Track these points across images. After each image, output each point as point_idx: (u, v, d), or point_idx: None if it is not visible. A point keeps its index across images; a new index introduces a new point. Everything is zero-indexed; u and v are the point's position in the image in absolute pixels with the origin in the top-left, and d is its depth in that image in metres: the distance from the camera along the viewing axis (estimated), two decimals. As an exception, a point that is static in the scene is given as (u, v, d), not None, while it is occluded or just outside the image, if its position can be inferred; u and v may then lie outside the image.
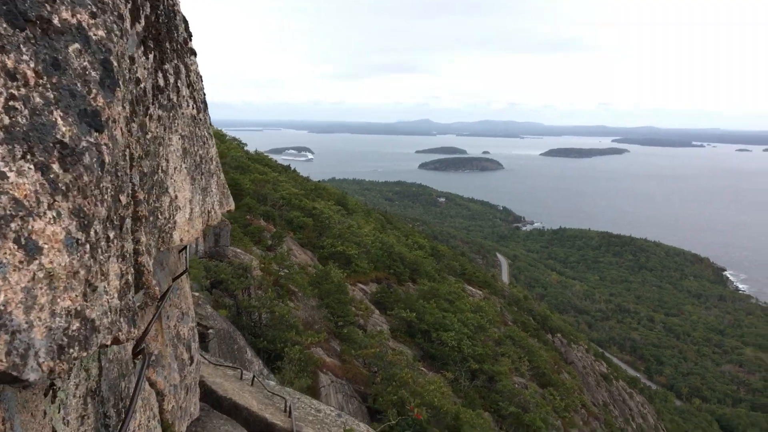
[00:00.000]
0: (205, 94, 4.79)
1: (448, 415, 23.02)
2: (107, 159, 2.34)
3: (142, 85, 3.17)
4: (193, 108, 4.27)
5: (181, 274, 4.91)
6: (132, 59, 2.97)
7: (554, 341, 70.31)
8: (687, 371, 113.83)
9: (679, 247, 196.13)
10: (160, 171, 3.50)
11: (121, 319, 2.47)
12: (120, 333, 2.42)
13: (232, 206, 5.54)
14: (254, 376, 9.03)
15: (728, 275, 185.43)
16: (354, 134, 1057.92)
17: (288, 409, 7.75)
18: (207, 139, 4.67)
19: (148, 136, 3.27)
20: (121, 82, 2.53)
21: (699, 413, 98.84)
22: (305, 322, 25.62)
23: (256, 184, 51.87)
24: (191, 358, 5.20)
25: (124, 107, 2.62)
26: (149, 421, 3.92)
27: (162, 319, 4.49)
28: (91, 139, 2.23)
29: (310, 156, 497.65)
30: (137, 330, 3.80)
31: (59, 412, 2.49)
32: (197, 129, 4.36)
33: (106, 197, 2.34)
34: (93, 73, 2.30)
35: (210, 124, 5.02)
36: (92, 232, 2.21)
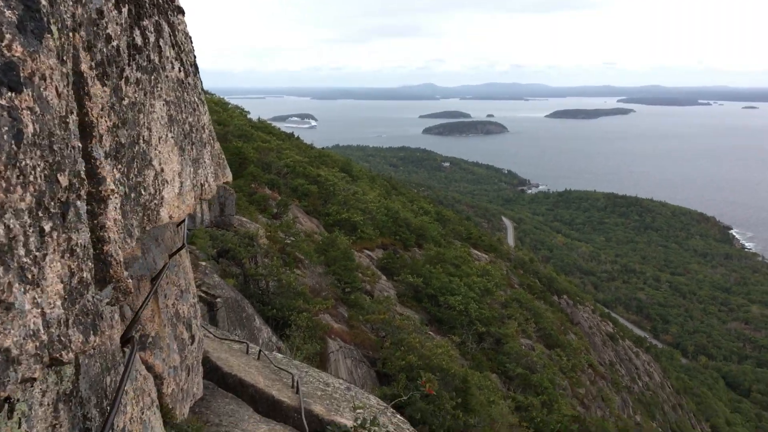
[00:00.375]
0: (195, 57, 4.47)
1: (456, 378, 23.13)
2: (31, 128, 1.85)
3: (114, 44, 2.82)
4: (179, 71, 3.93)
5: (179, 250, 4.58)
6: (100, 12, 2.63)
7: (560, 303, 70.59)
8: (693, 329, 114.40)
9: (685, 206, 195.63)
10: (141, 141, 3.17)
11: (70, 331, 2.05)
12: (64, 351, 1.98)
13: (229, 177, 5.22)
14: (260, 350, 8.67)
15: (734, 233, 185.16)
16: (357, 100, 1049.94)
17: (296, 384, 7.45)
18: (198, 106, 4.32)
19: (125, 102, 2.94)
20: (55, 28, 2.07)
21: (705, 370, 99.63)
22: (312, 289, 25.65)
23: (260, 152, 51.62)
24: (192, 337, 4.90)
25: (64, 61, 2.20)
26: (144, 412, 3.57)
27: (159, 299, 4.21)
28: (2, 102, 1.72)
29: (313, 123, 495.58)
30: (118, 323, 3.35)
31: (20, 427, 2.00)
32: (185, 94, 4.01)
33: (30, 179, 1.84)
34: (7, 13, 1.77)
35: (202, 89, 4.69)
36: (1, 230, 1.71)
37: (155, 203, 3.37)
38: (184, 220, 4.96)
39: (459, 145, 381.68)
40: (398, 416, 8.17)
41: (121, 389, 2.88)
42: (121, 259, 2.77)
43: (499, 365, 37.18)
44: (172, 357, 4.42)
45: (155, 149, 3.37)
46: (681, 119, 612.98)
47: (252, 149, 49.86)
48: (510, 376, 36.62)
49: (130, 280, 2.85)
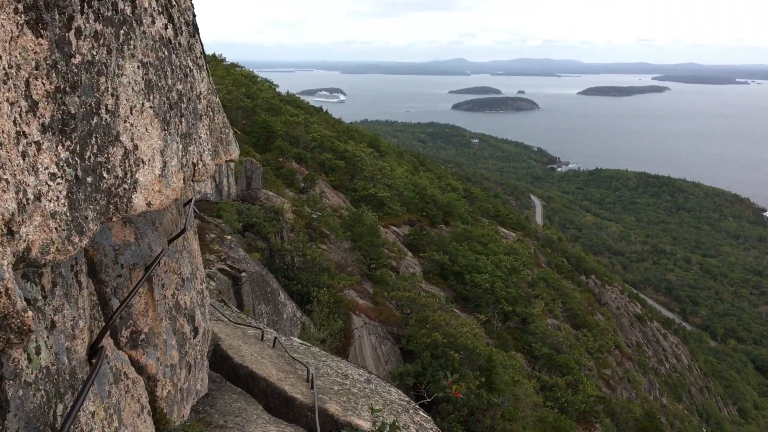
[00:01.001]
0: (194, 15, 3.91)
1: (481, 357, 22.98)
2: None
3: None
4: (165, 27, 3.29)
5: (179, 234, 4.06)
6: None
7: (588, 283, 69.98)
8: (723, 312, 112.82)
9: (719, 187, 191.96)
10: (102, 111, 2.57)
11: None
12: None
13: (234, 155, 4.60)
14: (275, 337, 8.09)
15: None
16: (386, 74, 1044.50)
17: (311, 379, 6.90)
18: (191, 71, 3.67)
19: (75, 60, 2.34)
20: None
21: (734, 354, 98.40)
22: (338, 265, 25.59)
23: (288, 126, 51.53)
24: (195, 330, 4.35)
25: None
26: (123, 428, 3.16)
27: (154, 290, 3.71)
28: None
29: (342, 97, 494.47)
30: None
31: None
32: (173, 56, 3.38)
33: None
34: None
35: (202, 53, 4.03)
36: None
37: (125, 188, 2.79)
38: (190, 200, 4.54)
39: (488, 121, 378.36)
40: (421, 413, 7.49)
41: (69, 421, 2.31)
42: (11, 286, 1.93)
43: (524, 345, 36.98)
44: (170, 354, 3.95)
45: (125, 121, 2.77)
46: (717, 98, 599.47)
47: (280, 123, 49.79)
48: (535, 355, 36.43)
49: (29, 314, 1.97)
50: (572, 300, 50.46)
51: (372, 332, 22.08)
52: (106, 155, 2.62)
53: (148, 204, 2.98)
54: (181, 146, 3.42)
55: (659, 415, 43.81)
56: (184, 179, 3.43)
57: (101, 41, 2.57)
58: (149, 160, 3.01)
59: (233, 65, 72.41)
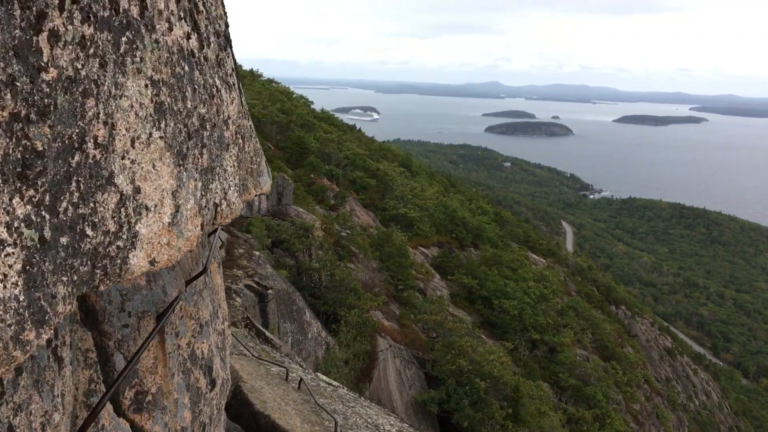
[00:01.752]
0: (227, 26, 3.36)
1: (507, 387, 22.45)
2: None
3: None
4: (187, 37, 2.68)
5: (198, 275, 3.47)
6: None
7: (618, 313, 68.71)
8: (756, 350, 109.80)
9: (756, 222, 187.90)
10: (89, 146, 1.94)
11: None
12: None
13: (266, 187, 3.96)
14: (301, 379, 7.52)
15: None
16: (421, 95, 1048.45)
17: None
18: (218, 91, 3.06)
19: (47, 76, 1.74)
20: None
21: (766, 393, 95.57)
22: (365, 285, 25.32)
23: (322, 142, 51.68)
24: (212, 382, 3.76)
25: None
26: None
27: (166, 341, 3.16)
28: None
29: (375, 116, 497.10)
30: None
31: None
32: (196, 73, 2.76)
33: None
34: None
35: (233, 69, 3.43)
36: None
37: (119, 246, 2.16)
38: (216, 230, 3.89)
39: (521, 145, 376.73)
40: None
41: None
42: None
43: (551, 374, 36.23)
44: (180, 416, 3.36)
45: (122, 158, 2.16)
46: (756, 131, 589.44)
47: (313, 139, 49.96)
48: (562, 386, 35.63)
49: None
50: (602, 331, 49.46)
51: (397, 355, 21.71)
52: (92, 205, 1.97)
53: (152, 262, 2.37)
54: (200, 184, 2.79)
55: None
56: (202, 225, 2.82)
57: (91, 50, 1.95)
58: (156, 206, 2.38)
59: (270, 81, 73.20)
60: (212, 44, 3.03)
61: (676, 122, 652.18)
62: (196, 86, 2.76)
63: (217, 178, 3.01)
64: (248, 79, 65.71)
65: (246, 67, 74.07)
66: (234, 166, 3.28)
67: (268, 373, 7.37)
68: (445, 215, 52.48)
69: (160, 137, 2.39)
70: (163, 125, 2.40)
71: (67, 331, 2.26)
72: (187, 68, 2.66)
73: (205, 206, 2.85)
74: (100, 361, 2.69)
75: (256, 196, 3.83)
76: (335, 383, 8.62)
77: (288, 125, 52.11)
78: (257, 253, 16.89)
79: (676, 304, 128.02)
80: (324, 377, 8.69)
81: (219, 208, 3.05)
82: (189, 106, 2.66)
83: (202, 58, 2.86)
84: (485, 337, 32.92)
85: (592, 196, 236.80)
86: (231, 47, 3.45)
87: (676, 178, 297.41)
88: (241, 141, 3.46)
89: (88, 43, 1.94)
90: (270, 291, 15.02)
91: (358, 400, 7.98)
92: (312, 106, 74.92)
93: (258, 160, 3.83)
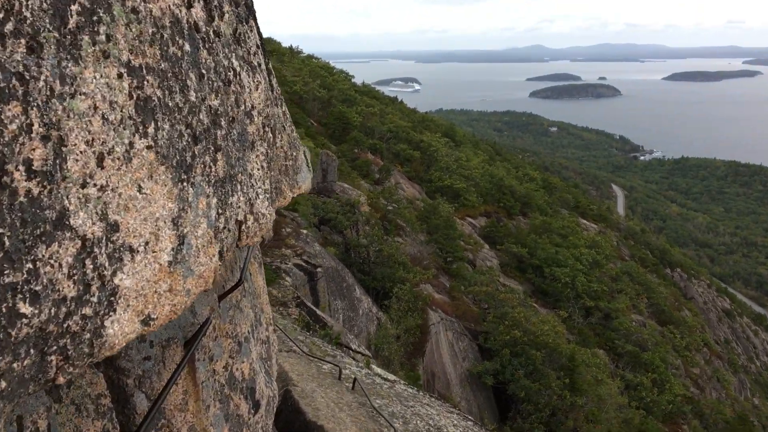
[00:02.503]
0: None
1: (563, 356, 22.12)
2: None
3: None
4: (188, 5, 2.07)
5: (234, 288, 2.92)
6: None
7: (673, 276, 67.25)
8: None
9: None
10: (15, 177, 1.31)
11: None
12: None
13: (305, 185, 3.41)
14: (355, 379, 6.98)
15: None
16: (462, 63, 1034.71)
17: None
18: (237, 76, 2.44)
19: None
20: None
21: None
22: (413, 258, 25.18)
23: (364, 116, 51.46)
24: (255, 405, 3.22)
25: None
26: None
27: (197, 370, 2.62)
28: None
29: (417, 87, 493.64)
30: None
31: None
32: (202, 53, 2.15)
33: None
34: None
35: (258, 46, 2.82)
36: None
37: (86, 314, 1.53)
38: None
39: (567, 109, 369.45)
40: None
41: None
42: None
43: (607, 341, 35.66)
44: None
45: (82, 186, 1.52)
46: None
47: (355, 114, 49.76)
48: (619, 353, 35.05)
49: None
50: (658, 295, 48.42)
51: (449, 328, 21.57)
52: (29, 267, 1.34)
53: (147, 321, 1.77)
54: (214, 200, 2.17)
55: (751, 416, 41.52)
56: (221, 252, 2.21)
57: (7, 27, 1.32)
58: (146, 243, 1.75)
59: (309, 57, 73.05)
60: (226, 15, 2.42)
61: (729, 77, 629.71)
62: (203, 71, 2.15)
63: (239, 187, 2.41)
64: (288, 56, 65.69)
65: (285, 43, 74.06)
66: (262, 167, 2.70)
67: (319, 372, 6.99)
68: (491, 184, 51.86)
69: (148, 147, 1.75)
70: (151, 129, 1.77)
71: None
72: (188, 47, 2.04)
73: (224, 227, 2.25)
74: (117, 406, 2.13)
75: (296, 194, 3.24)
76: (391, 377, 8.12)
77: (329, 101, 51.99)
78: (304, 231, 16.87)
79: (734, 264, 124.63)
80: (379, 370, 8.26)
81: (244, 226, 2.44)
82: (194, 98, 2.04)
83: (211, 33, 2.24)
84: (538, 306, 32.53)
85: (642, 158, 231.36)
86: (255, 18, 2.83)
87: (731, 134, 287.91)
88: (270, 135, 2.85)
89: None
90: (319, 269, 14.99)
91: (417, 396, 7.40)
92: (353, 80, 74.59)
93: (294, 154, 3.23)
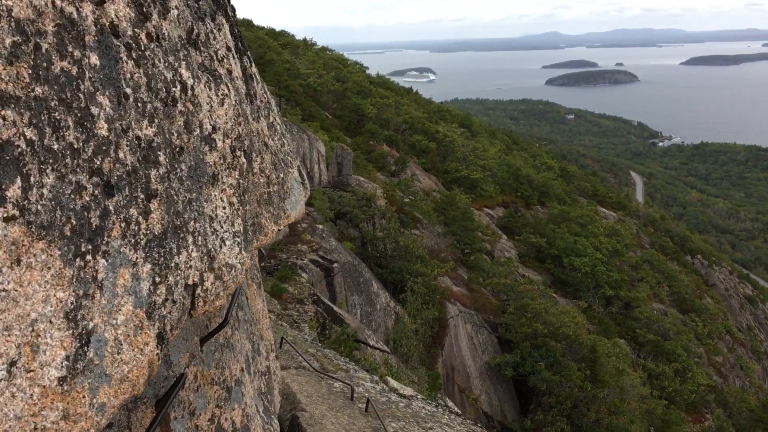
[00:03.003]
0: None
1: (584, 347, 21.90)
2: None
3: None
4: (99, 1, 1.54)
5: (217, 330, 2.41)
6: None
7: (694, 263, 66.46)
8: None
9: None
10: None
11: None
12: None
13: (295, 213, 2.88)
14: (368, 401, 6.42)
15: None
16: (477, 51, 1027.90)
17: None
18: (185, 90, 1.89)
19: None
20: None
21: None
22: (431, 251, 25.03)
23: (379, 108, 51.24)
24: None
25: None
26: None
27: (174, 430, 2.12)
28: None
29: (431, 77, 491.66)
30: None
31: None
32: (125, 66, 1.61)
33: None
34: None
35: (232, 48, 2.34)
36: None
37: None
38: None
39: (584, 96, 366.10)
40: None
41: None
42: None
43: (627, 331, 35.33)
44: None
45: None
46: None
47: (370, 105, 49.55)
48: (640, 342, 34.72)
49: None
50: (679, 283, 47.87)
51: (468, 321, 21.42)
52: None
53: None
54: (147, 267, 1.60)
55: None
56: (162, 334, 1.66)
57: None
58: (10, 365, 1.22)
59: (323, 49, 72.90)
60: (173, 11, 1.85)
61: (749, 60, 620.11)
62: (127, 90, 1.58)
63: (190, 240, 1.80)
64: (302, 49, 65.53)
65: (299, 36, 73.95)
66: (230, 204, 2.12)
67: (330, 392, 6.52)
68: (508, 174, 51.48)
69: (8, 218, 1.19)
70: (14, 191, 1.20)
71: None
72: (95, 59, 1.46)
73: (166, 300, 1.66)
74: None
75: (279, 229, 2.74)
76: (408, 391, 7.65)
77: (344, 93, 51.82)
78: (320, 226, 16.77)
79: (756, 250, 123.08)
80: (395, 383, 7.80)
81: (200, 289, 1.83)
82: (105, 131, 1.47)
83: (143, 37, 1.68)
84: (557, 296, 32.27)
85: (661, 144, 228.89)
86: (227, 13, 2.32)
87: (751, 118, 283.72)
88: (244, 160, 2.27)
89: None
90: (336, 264, 14.90)
91: (436, 415, 6.88)
92: (367, 72, 74.34)
93: (281, 176, 2.72)
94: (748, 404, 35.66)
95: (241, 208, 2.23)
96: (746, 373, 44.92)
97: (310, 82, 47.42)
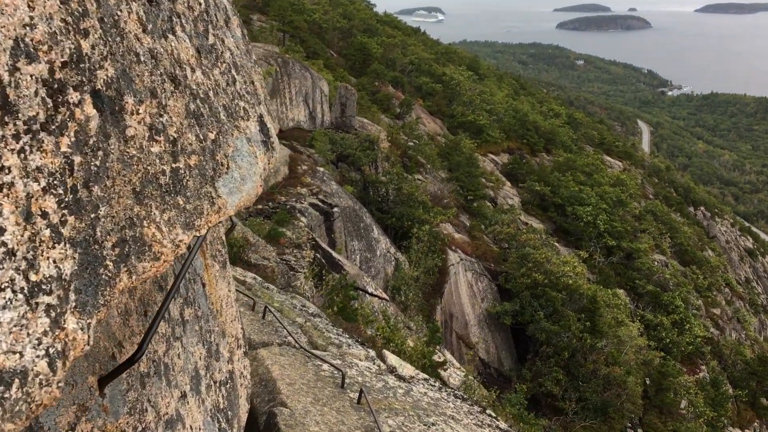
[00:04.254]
0: None
1: (584, 298, 21.77)
2: None
3: None
4: None
5: (127, 366, 1.67)
6: None
7: (696, 215, 66.25)
8: None
9: None
10: None
11: None
12: None
13: (243, 198, 1.92)
14: (362, 390, 5.36)
15: None
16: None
17: None
18: None
19: None
20: None
21: None
22: (433, 196, 24.68)
23: (385, 48, 50.06)
24: None
25: None
26: None
27: None
28: None
29: (440, 17, 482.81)
30: None
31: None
32: None
33: None
34: None
35: None
36: None
37: None
38: (197, 242, 1.97)
39: (595, 41, 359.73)
40: None
41: None
42: None
43: (627, 281, 35.27)
44: None
45: None
46: None
47: (377, 45, 48.36)
48: (639, 293, 34.70)
49: None
50: (681, 234, 47.65)
51: (468, 268, 21.24)
52: None
53: None
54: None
55: (771, 358, 41.35)
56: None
57: None
58: None
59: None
60: None
61: (764, 9, 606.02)
62: None
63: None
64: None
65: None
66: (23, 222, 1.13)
67: (317, 377, 5.55)
68: (515, 120, 50.66)
69: None
70: None
71: None
72: None
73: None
74: None
75: (201, 234, 1.71)
76: (408, 371, 6.79)
77: (350, 31, 50.54)
78: (321, 169, 16.38)
79: (759, 203, 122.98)
80: (393, 359, 6.89)
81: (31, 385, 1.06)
82: None
83: None
84: (559, 245, 32.08)
85: (670, 93, 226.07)
86: None
87: (763, 69, 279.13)
88: (91, 110, 1.32)
89: None
90: (336, 209, 14.58)
91: (440, 402, 6.03)
92: (374, 10, 72.57)
93: (210, 136, 1.87)
94: (743, 357, 35.91)
95: (75, 221, 1.20)
96: (743, 326, 45.18)
97: (315, 18, 46.17)
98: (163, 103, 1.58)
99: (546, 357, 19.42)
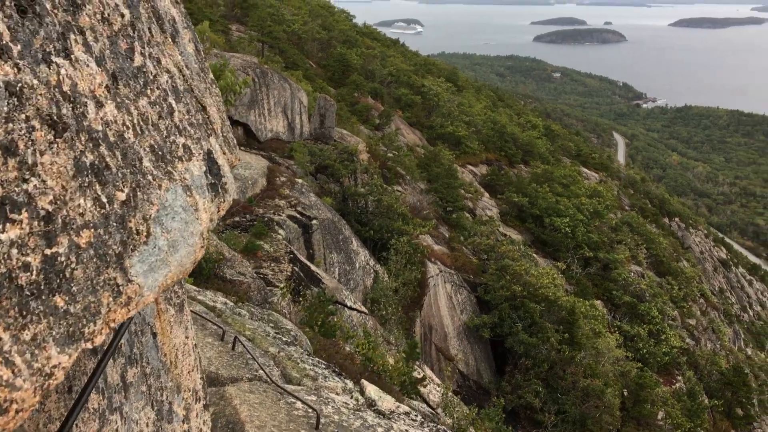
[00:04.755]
0: None
1: (563, 309, 21.83)
2: None
3: None
4: None
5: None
6: None
7: (671, 225, 67.09)
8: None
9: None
10: None
11: None
12: None
13: (170, 275, 1.58)
14: None
15: None
16: (466, 5, 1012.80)
17: None
18: None
19: None
20: None
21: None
22: (413, 208, 24.66)
23: (364, 59, 50.15)
24: None
25: None
26: None
27: None
28: None
29: (419, 29, 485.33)
30: None
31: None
32: None
33: None
34: None
35: None
36: None
37: None
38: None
39: (572, 54, 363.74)
40: None
41: None
42: None
43: (604, 292, 35.50)
44: None
45: None
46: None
47: (356, 56, 48.43)
48: (616, 303, 34.95)
49: None
50: (657, 245, 48.15)
51: (447, 280, 21.20)
52: None
53: None
54: None
55: (745, 367, 41.80)
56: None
57: None
58: None
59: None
60: None
61: (737, 24, 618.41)
62: None
63: None
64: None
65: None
66: None
67: (290, 417, 5.11)
68: (493, 131, 50.95)
69: None
70: None
71: None
72: None
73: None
74: None
75: (91, 347, 1.34)
76: (388, 403, 6.42)
77: (329, 42, 50.58)
78: (300, 180, 16.26)
79: (732, 214, 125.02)
80: (373, 390, 6.53)
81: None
82: None
83: None
84: (537, 256, 32.21)
85: (645, 105, 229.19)
86: None
87: (736, 83, 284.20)
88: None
89: None
90: (315, 221, 14.46)
91: None
92: (354, 21, 72.71)
93: (126, 188, 1.50)
94: (718, 367, 36.28)
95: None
96: (718, 337, 45.65)
97: (294, 29, 46.10)
98: (29, 161, 1.15)
99: (525, 369, 19.42)
